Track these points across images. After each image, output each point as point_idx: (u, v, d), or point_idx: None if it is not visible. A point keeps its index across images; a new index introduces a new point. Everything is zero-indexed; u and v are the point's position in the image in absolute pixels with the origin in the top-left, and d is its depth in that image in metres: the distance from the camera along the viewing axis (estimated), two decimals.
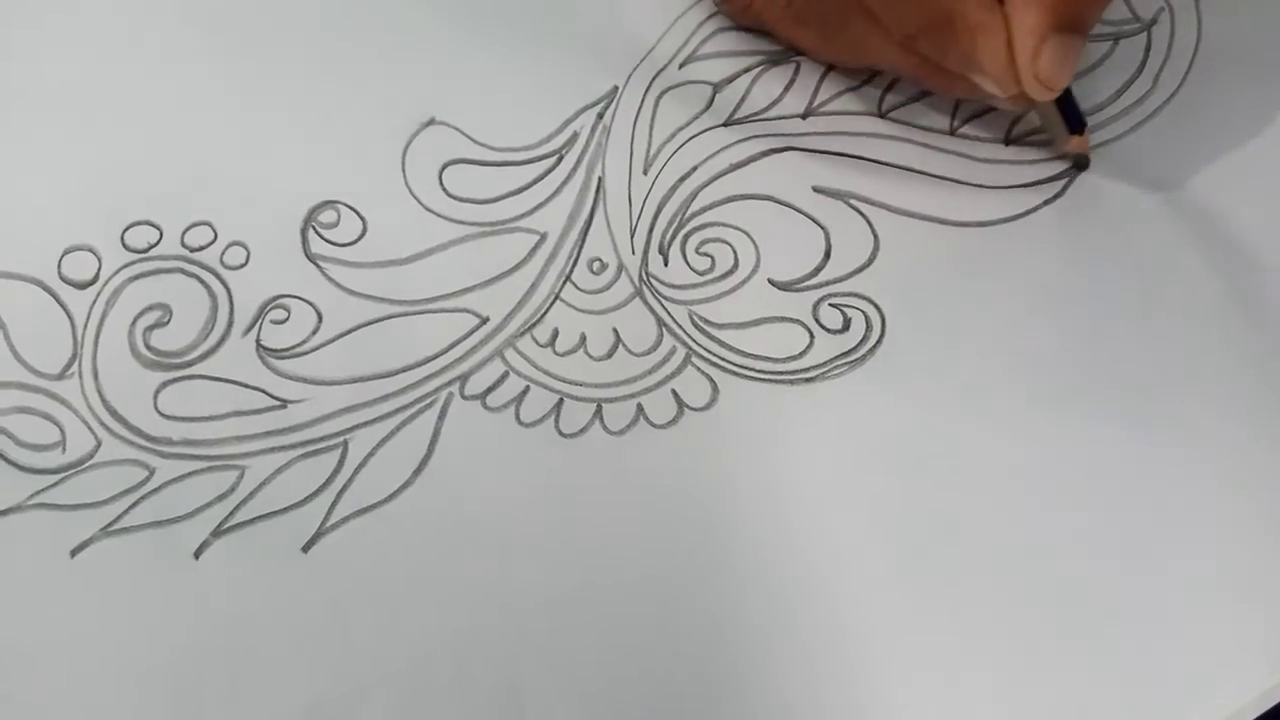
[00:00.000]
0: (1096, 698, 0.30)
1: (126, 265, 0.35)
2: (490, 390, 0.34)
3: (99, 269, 0.35)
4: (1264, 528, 0.32)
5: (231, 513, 0.32)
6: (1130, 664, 0.30)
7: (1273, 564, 0.31)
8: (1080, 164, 0.37)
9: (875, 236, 0.36)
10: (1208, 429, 0.33)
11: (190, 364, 0.34)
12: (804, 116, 0.38)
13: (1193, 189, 0.37)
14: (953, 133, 0.38)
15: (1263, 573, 0.31)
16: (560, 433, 0.33)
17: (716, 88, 0.39)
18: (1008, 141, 0.38)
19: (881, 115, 0.38)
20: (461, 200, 0.36)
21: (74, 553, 0.31)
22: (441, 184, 0.36)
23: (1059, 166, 0.38)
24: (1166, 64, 0.39)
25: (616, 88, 0.38)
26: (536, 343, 0.34)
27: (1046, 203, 0.37)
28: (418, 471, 0.32)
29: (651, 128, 0.37)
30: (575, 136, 0.37)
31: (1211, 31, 0.39)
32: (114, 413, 0.33)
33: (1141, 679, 0.30)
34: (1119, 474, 0.33)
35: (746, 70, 0.39)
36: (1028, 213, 0.37)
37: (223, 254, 0.35)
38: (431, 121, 0.37)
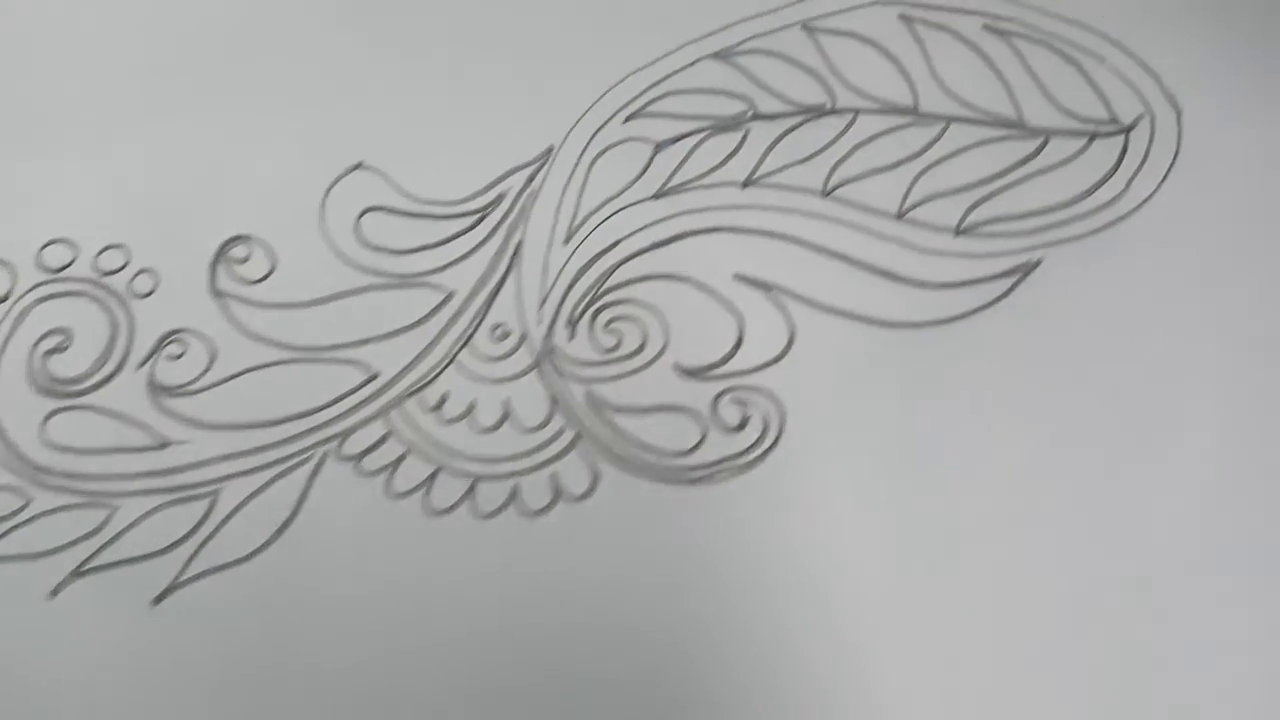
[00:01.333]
0: None
1: (39, 285, 0.35)
2: (367, 452, 0.33)
3: (12, 286, 0.35)
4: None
5: (95, 553, 0.32)
6: None
7: None
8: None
9: (792, 330, 0.34)
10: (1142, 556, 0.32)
11: (82, 394, 0.34)
12: (743, 186, 0.37)
13: (1153, 301, 0.35)
14: (900, 217, 0.36)
15: None
16: (429, 509, 0.33)
17: (658, 147, 0.37)
18: (958, 231, 0.36)
19: (825, 194, 0.36)
20: (374, 249, 0.35)
21: None
22: (358, 230, 0.36)
23: (1009, 263, 0.35)
24: (1141, 170, 0.36)
25: (552, 148, 0.37)
26: (423, 406, 0.34)
27: (987, 305, 0.35)
28: (279, 532, 0.32)
29: (580, 196, 0.36)
30: (501, 198, 0.36)
31: (1192, 142, 0.36)
32: (2, 435, 0.33)
33: None
34: (1028, 599, 0.32)
35: (692, 133, 0.37)
36: (964, 315, 0.35)
37: (132, 280, 0.35)
38: (359, 165, 0.36)
